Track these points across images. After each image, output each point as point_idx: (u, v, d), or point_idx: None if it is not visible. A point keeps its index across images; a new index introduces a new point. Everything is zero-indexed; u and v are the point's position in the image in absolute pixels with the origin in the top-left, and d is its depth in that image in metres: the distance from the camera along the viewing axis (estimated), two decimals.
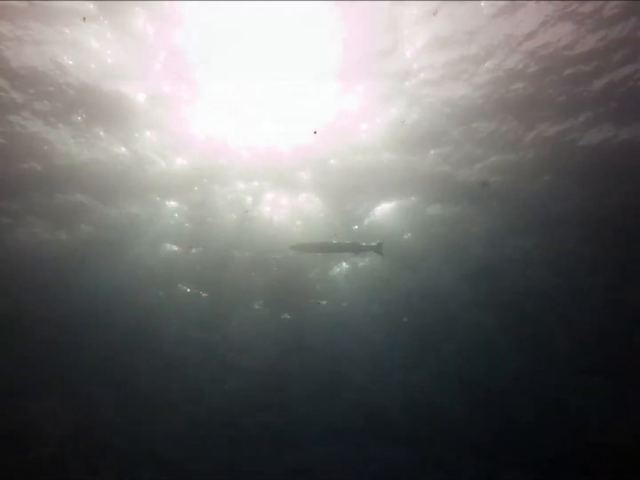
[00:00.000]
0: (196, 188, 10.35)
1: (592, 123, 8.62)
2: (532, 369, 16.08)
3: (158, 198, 10.66)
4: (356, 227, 11.66)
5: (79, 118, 8.59)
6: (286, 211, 11.09)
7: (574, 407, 16.03)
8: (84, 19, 7.04)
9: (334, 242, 10.67)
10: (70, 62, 7.62)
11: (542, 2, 6.95)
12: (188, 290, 13.75)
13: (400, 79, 7.97)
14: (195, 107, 8.44)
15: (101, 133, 8.93)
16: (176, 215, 11.16)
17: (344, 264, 12.80)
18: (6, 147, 9.03)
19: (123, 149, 9.27)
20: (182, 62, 7.72)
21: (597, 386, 15.18)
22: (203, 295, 13.94)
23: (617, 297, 13.02)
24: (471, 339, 15.33)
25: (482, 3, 6.96)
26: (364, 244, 10.42)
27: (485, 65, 7.76)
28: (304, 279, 13.32)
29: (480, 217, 11.17)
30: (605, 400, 15.27)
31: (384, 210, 11.15)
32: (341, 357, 16.46)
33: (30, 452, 18.35)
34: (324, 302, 14.23)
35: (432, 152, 9.52)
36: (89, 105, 8.37)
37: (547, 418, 17.44)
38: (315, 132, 8.76)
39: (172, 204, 10.87)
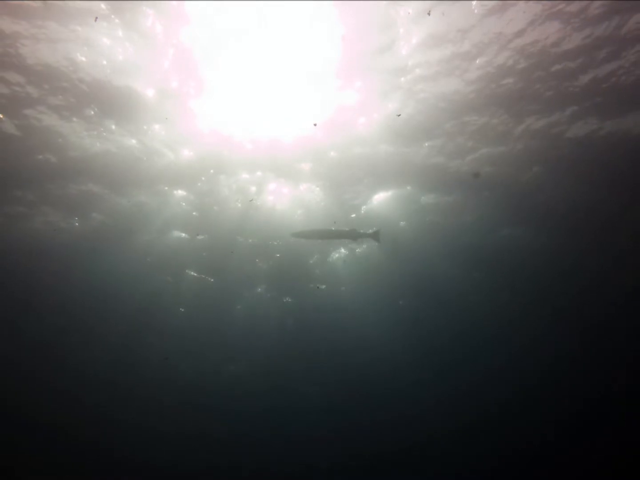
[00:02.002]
0: (203, 178, 10.85)
1: (578, 116, 9.08)
2: (519, 347, 16.97)
3: (166, 188, 11.18)
4: (354, 215, 12.23)
5: (91, 112, 9.02)
6: (288, 200, 11.62)
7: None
8: (96, 18, 7.41)
9: (333, 229, 11.26)
10: (83, 59, 8.01)
11: (531, 1, 7.31)
12: (195, 275, 14.44)
13: (396, 75, 8.37)
14: (202, 101, 8.85)
15: (112, 126, 9.37)
16: (183, 204, 11.71)
17: (343, 250, 13.43)
18: (22, 140, 9.48)
19: (133, 141, 9.72)
20: (189, 58, 8.10)
21: None
22: (209, 280, 14.64)
23: (602, 282, 13.72)
24: (464, 321, 16.13)
25: (474, 3, 7.32)
26: (361, 231, 11.01)
27: (477, 61, 8.15)
28: (304, 265, 13.98)
29: (472, 206, 11.73)
30: None
31: (381, 199, 11.69)
32: (341, 338, 17.30)
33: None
34: (324, 287, 14.94)
35: (426, 144, 9.99)
36: (101, 100, 8.78)
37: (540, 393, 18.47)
38: (315, 125, 9.22)
39: (179, 193, 11.40)
